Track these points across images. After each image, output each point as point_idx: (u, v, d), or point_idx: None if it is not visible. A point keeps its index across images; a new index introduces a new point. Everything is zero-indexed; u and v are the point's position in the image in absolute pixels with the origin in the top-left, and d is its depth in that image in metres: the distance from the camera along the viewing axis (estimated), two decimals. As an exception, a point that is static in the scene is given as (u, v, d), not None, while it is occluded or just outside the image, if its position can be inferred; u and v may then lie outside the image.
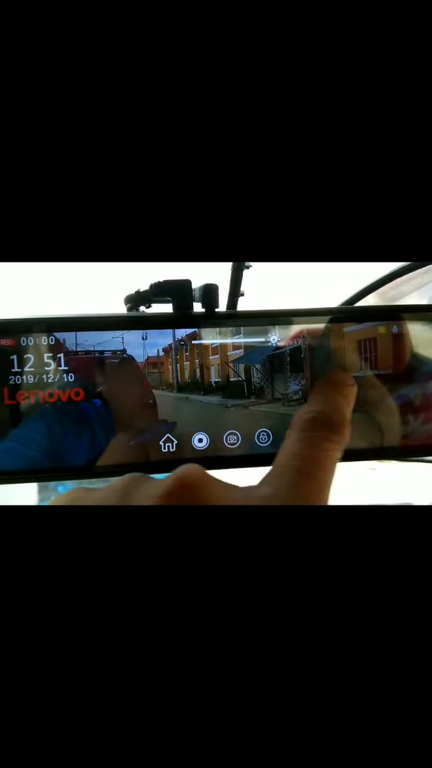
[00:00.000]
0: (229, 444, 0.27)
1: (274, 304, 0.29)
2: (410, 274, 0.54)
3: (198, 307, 0.28)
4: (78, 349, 0.26)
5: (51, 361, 0.26)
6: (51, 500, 0.22)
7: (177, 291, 0.28)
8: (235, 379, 0.28)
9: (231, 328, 0.28)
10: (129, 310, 0.31)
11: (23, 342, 0.26)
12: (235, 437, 0.28)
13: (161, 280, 0.28)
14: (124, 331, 0.27)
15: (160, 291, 0.28)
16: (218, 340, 0.28)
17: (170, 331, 0.27)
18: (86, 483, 0.25)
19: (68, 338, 0.26)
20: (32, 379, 0.26)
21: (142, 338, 0.27)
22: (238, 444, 0.27)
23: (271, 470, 0.21)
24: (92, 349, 0.26)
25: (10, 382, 0.25)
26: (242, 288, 0.40)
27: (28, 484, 0.27)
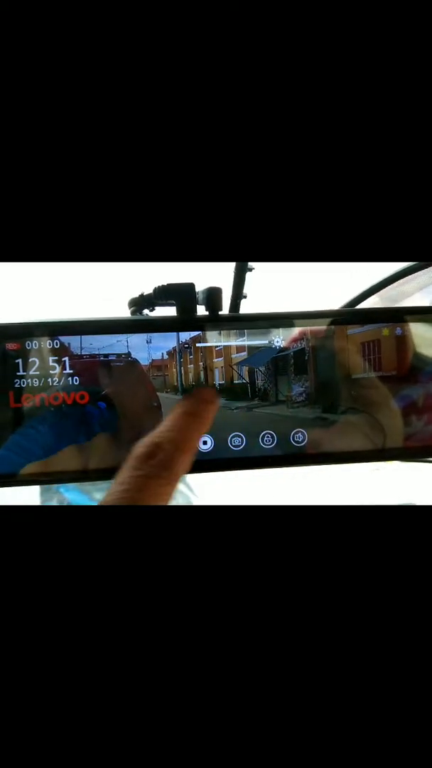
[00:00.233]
0: (233, 446, 0.28)
1: (276, 306, 0.29)
2: (412, 274, 0.54)
3: (202, 310, 0.28)
4: (83, 353, 0.26)
5: (56, 365, 0.26)
6: (54, 501, 0.22)
7: (181, 294, 0.28)
8: (239, 381, 0.28)
9: (234, 330, 0.28)
10: (133, 313, 0.31)
11: (28, 346, 0.26)
12: (240, 439, 0.28)
13: (165, 283, 0.29)
14: (129, 335, 0.27)
15: (164, 294, 0.29)
16: (222, 343, 0.28)
17: (174, 334, 0.28)
18: (88, 485, 0.25)
19: (73, 342, 0.26)
20: (37, 382, 0.26)
21: (147, 341, 0.27)
22: (242, 446, 0.28)
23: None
24: (97, 352, 0.27)
25: (16, 386, 0.26)
26: (245, 290, 0.40)
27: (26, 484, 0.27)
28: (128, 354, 0.27)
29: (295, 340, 0.28)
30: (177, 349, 0.28)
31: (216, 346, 0.28)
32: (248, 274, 0.40)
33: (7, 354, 0.26)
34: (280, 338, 0.28)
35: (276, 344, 0.28)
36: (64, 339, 0.26)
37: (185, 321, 0.28)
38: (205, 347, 0.28)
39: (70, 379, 0.26)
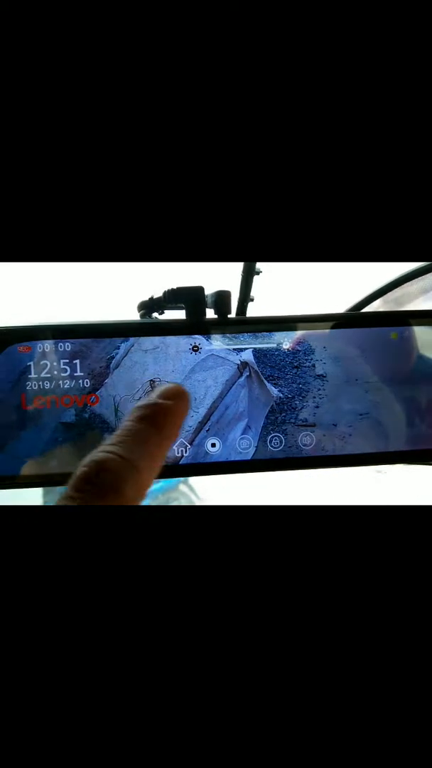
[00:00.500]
0: (241, 449, 0.28)
1: (283, 309, 0.29)
2: (417, 277, 0.54)
3: (211, 314, 0.29)
4: (93, 356, 0.27)
5: (67, 367, 0.26)
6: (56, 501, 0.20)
7: (190, 297, 0.28)
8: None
9: (242, 333, 0.28)
10: (143, 316, 0.31)
11: (39, 348, 0.26)
12: (248, 442, 0.28)
13: (174, 287, 0.29)
14: (138, 338, 0.27)
15: (174, 297, 0.29)
16: (230, 346, 0.28)
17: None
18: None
19: (84, 344, 0.27)
20: (48, 385, 0.26)
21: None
22: (250, 448, 0.28)
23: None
24: (107, 355, 0.27)
25: (27, 388, 0.26)
26: (252, 293, 0.40)
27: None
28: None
29: (303, 343, 0.28)
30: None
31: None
32: (255, 278, 0.40)
33: (18, 356, 0.26)
34: (288, 341, 0.28)
35: (283, 347, 0.28)
36: (74, 341, 0.27)
37: (194, 324, 0.28)
38: None
39: (80, 381, 0.27)
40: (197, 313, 0.28)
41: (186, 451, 0.27)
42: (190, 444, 0.27)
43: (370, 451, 0.28)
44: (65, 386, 0.26)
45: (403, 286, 0.55)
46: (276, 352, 0.28)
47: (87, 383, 0.27)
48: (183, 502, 2.23)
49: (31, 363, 0.26)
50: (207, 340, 0.28)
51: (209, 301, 0.28)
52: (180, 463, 0.27)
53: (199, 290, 0.28)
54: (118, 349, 0.27)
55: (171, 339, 0.27)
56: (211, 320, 0.28)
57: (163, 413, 0.18)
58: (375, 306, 0.58)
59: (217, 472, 0.28)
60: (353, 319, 0.30)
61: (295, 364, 0.28)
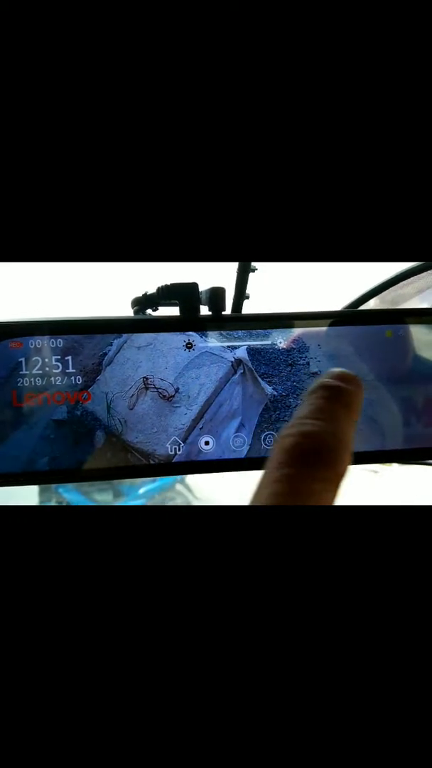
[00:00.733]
0: (235, 447, 0.28)
1: (279, 307, 0.29)
2: (413, 277, 0.54)
3: (205, 310, 0.29)
4: (86, 352, 0.26)
5: (59, 364, 0.26)
6: (52, 501, 0.20)
7: (184, 294, 0.28)
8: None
9: (237, 330, 0.28)
10: (136, 313, 0.31)
11: (31, 344, 0.26)
12: (241, 440, 0.28)
13: (168, 283, 0.29)
14: (131, 334, 0.27)
15: (168, 294, 0.29)
16: (224, 343, 0.28)
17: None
18: (86, 485, 0.25)
19: (76, 341, 0.26)
20: (40, 381, 0.26)
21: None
22: (244, 447, 0.28)
23: (259, 483, 0.16)
24: (100, 351, 0.27)
25: (18, 384, 0.26)
26: (248, 291, 0.40)
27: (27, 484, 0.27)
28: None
29: (297, 341, 0.28)
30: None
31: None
32: (251, 275, 0.40)
33: (9, 352, 0.26)
34: (282, 339, 0.28)
35: (278, 344, 0.28)
36: (67, 338, 0.26)
37: (188, 321, 0.28)
38: None
39: (72, 378, 0.26)
40: (191, 309, 0.28)
41: (179, 449, 0.27)
42: (184, 442, 0.27)
43: (364, 450, 0.28)
44: (57, 383, 0.26)
45: (398, 285, 0.55)
46: (270, 350, 0.28)
47: (79, 380, 0.26)
48: (179, 502, 2.24)
49: (23, 359, 0.26)
50: (201, 337, 0.28)
51: (203, 297, 0.28)
52: (173, 461, 0.27)
53: (193, 287, 0.28)
54: (111, 345, 0.27)
55: (164, 336, 0.27)
56: (205, 317, 0.28)
57: (350, 396, 0.17)
58: (370, 306, 0.58)
59: (210, 471, 0.28)
60: (348, 317, 0.29)
61: (290, 362, 0.28)
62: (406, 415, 0.29)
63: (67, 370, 0.26)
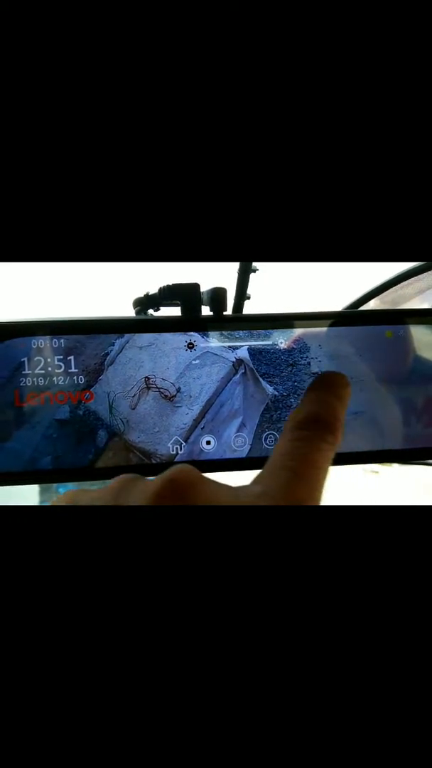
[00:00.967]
0: (236, 446, 0.28)
1: (280, 307, 0.29)
2: (414, 277, 0.54)
3: (206, 311, 0.29)
4: (88, 352, 0.27)
5: (61, 364, 0.26)
6: (51, 501, 0.21)
7: (186, 294, 0.28)
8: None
9: (238, 331, 0.28)
10: (138, 313, 0.31)
11: (33, 344, 0.26)
12: (243, 440, 0.28)
13: (170, 283, 0.29)
14: (133, 334, 0.27)
15: (169, 294, 0.29)
16: (225, 344, 0.28)
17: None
18: (87, 485, 0.25)
19: (78, 341, 0.27)
20: (42, 381, 0.26)
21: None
22: (245, 446, 0.28)
23: (264, 470, 0.20)
24: (102, 351, 0.27)
25: (21, 384, 0.26)
26: (249, 291, 0.40)
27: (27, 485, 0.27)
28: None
29: (298, 341, 0.28)
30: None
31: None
32: (252, 276, 0.40)
33: (12, 352, 0.26)
34: (283, 339, 0.28)
35: (279, 345, 0.28)
36: (70, 338, 0.26)
37: (189, 321, 0.28)
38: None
39: (74, 378, 0.26)
40: (192, 310, 0.28)
41: (181, 449, 0.27)
42: (185, 441, 0.27)
43: (364, 450, 0.28)
44: (59, 383, 0.26)
45: (399, 286, 0.55)
46: (271, 350, 0.28)
47: (81, 380, 0.26)
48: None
49: (25, 359, 0.26)
50: (202, 337, 0.28)
51: (205, 298, 0.28)
52: (175, 460, 0.27)
53: (195, 287, 0.28)
54: (113, 345, 0.27)
55: (166, 336, 0.27)
56: (207, 317, 0.28)
57: (342, 389, 0.23)
58: (371, 306, 0.58)
59: (211, 470, 0.28)
60: (349, 317, 0.30)
61: (291, 362, 0.28)
62: (406, 415, 0.29)
63: (70, 370, 0.26)
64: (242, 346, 0.28)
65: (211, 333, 0.28)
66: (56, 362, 0.26)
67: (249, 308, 0.41)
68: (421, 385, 0.29)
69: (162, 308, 0.31)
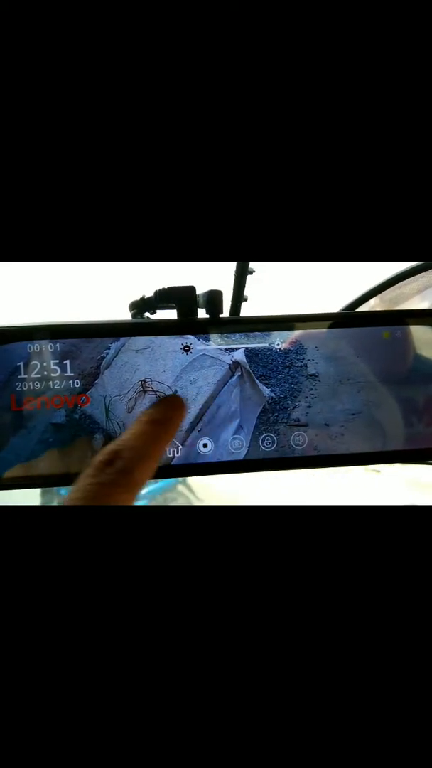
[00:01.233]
0: (233, 449, 0.28)
1: (277, 309, 0.29)
2: (412, 277, 0.54)
3: (202, 313, 0.29)
4: (84, 356, 0.27)
5: (57, 368, 0.26)
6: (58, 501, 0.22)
7: (182, 297, 0.28)
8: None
9: (235, 333, 0.28)
10: (134, 316, 0.31)
11: (29, 349, 0.26)
12: (239, 442, 0.28)
13: (166, 286, 0.29)
14: (129, 338, 0.27)
15: (165, 297, 0.29)
16: (222, 346, 0.28)
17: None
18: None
19: (74, 344, 0.26)
20: (38, 385, 0.26)
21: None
22: (242, 448, 0.28)
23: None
24: (98, 355, 0.27)
25: (17, 388, 0.26)
26: (246, 293, 0.40)
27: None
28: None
29: (295, 343, 0.28)
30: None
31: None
32: (248, 278, 0.40)
33: (7, 356, 0.26)
34: (280, 341, 0.28)
35: (276, 347, 0.28)
36: (66, 342, 0.26)
37: (186, 324, 0.28)
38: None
39: (71, 381, 0.26)
40: (189, 312, 0.28)
41: (178, 452, 0.27)
42: (182, 444, 0.27)
43: (363, 451, 0.28)
44: (55, 387, 0.26)
45: (397, 285, 0.55)
46: (268, 352, 0.28)
47: (77, 384, 0.26)
48: (181, 502, 2.24)
49: (21, 363, 0.26)
50: (198, 340, 0.28)
51: (201, 300, 0.28)
52: (172, 463, 0.27)
53: (191, 290, 0.28)
54: (109, 349, 0.27)
55: (162, 339, 0.27)
56: (203, 320, 0.28)
57: (167, 417, 0.24)
58: (370, 306, 0.58)
59: (209, 473, 0.28)
60: (346, 318, 0.29)
61: (287, 364, 0.28)
62: (406, 415, 0.29)
63: (66, 374, 0.26)
64: (239, 348, 0.28)
65: (207, 336, 0.28)
66: (52, 366, 0.26)
67: (246, 310, 0.41)
68: (420, 385, 0.29)
69: (158, 311, 0.30)
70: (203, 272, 0.32)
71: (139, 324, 0.28)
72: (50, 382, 0.26)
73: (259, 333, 0.28)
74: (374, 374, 0.29)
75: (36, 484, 0.26)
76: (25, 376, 0.26)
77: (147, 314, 0.30)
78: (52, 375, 0.26)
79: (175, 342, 0.27)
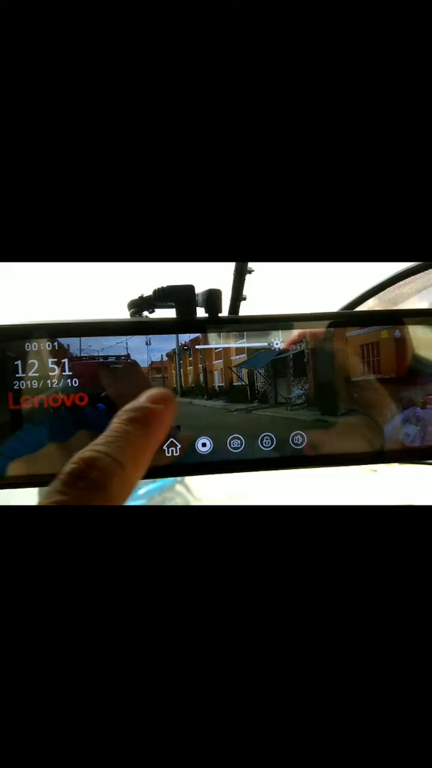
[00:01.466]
0: (232, 448, 0.28)
1: (276, 308, 0.29)
2: (410, 277, 0.54)
3: (201, 312, 0.28)
4: (82, 355, 0.26)
5: (55, 367, 0.26)
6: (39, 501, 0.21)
7: (180, 296, 0.28)
8: (239, 383, 0.28)
9: (234, 332, 0.28)
10: (133, 315, 0.31)
11: (27, 347, 0.26)
12: (239, 441, 0.28)
13: (165, 285, 0.29)
14: (128, 336, 0.27)
15: (164, 296, 0.29)
16: (221, 345, 0.28)
17: (173, 336, 0.28)
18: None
19: (73, 343, 0.26)
20: (36, 384, 0.26)
21: (146, 343, 0.27)
22: (241, 448, 0.28)
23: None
24: (96, 354, 0.27)
25: (14, 387, 0.26)
26: (244, 292, 0.40)
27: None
28: (128, 356, 0.27)
29: (294, 342, 0.28)
30: (176, 352, 0.28)
31: (215, 348, 0.28)
32: (248, 277, 0.40)
33: (6, 356, 0.26)
34: (279, 340, 0.28)
35: (275, 346, 0.28)
36: (64, 341, 0.26)
37: (185, 323, 0.28)
38: (204, 349, 0.28)
39: (69, 380, 0.26)
40: (187, 311, 0.28)
41: (176, 451, 0.27)
42: (181, 443, 0.27)
43: (362, 450, 0.28)
44: (54, 385, 0.26)
45: (397, 285, 0.55)
46: (268, 351, 0.28)
47: (75, 382, 0.26)
48: (179, 502, 2.24)
49: (19, 362, 0.26)
50: (198, 338, 0.28)
51: (200, 299, 0.28)
52: (171, 462, 0.27)
53: (190, 289, 0.28)
54: (108, 348, 0.27)
55: (161, 337, 0.27)
56: (202, 319, 0.28)
57: (151, 416, 0.20)
58: (369, 305, 0.58)
59: (208, 472, 0.28)
60: (346, 318, 0.29)
61: (287, 363, 0.28)
62: (405, 415, 0.29)
63: (64, 373, 0.26)
64: (238, 347, 0.28)
65: (205, 334, 0.28)
66: (50, 365, 0.26)
67: (245, 310, 0.41)
68: (420, 384, 0.29)
69: (157, 310, 0.30)
70: (202, 271, 0.32)
71: (138, 323, 0.28)
72: (48, 381, 0.26)
73: (259, 332, 0.28)
74: (373, 374, 0.29)
75: (32, 483, 0.26)
76: (24, 375, 0.26)
77: (146, 313, 0.30)
78: (51, 374, 0.26)
79: (173, 340, 0.27)
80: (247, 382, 0.28)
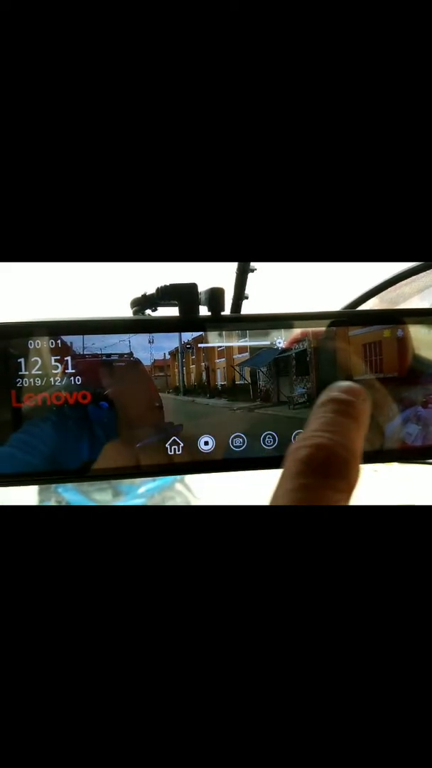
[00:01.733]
0: (234, 447, 0.28)
1: (278, 307, 0.29)
2: (412, 276, 0.54)
3: (204, 311, 0.29)
4: (85, 353, 0.27)
5: (58, 364, 0.26)
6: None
7: (183, 294, 0.28)
8: (241, 382, 0.28)
9: (236, 331, 0.28)
10: (135, 313, 0.31)
11: (30, 345, 0.26)
12: (241, 440, 0.28)
13: (168, 283, 0.29)
14: (131, 335, 0.27)
15: (167, 294, 0.29)
16: (224, 343, 0.28)
17: (176, 334, 0.28)
18: (84, 485, 0.25)
19: (75, 341, 0.26)
20: (39, 382, 0.26)
21: (149, 341, 0.27)
22: (243, 447, 0.28)
23: (275, 489, 0.17)
24: (99, 352, 0.27)
25: (17, 385, 0.26)
26: (247, 291, 0.40)
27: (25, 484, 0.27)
28: (131, 354, 0.27)
29: (296, 341, 0.28)
30: (179, 350, 0.28)
31: (218, 347, 0.28)
32: (250, 275, 0.40)
33: (9, 353, 0.26)
34: (281, 339, 0.28)
35: (277, 345, 0.28)
36: (67, 339, 0.26)
37: (187, 321, 0.28)
38: (207, 348, 0.28)
39: (72, 378, 0.26)
40: (190, 310, 0.28)
41: (179, 449, 0.27)
42: (183, 442, 0.27)
43: (364, 450, 0.28)
44: (56, 383, 0.26)
45: (397, 285, 0.55)
46: (270, 350, 0.28)
47: (78, 380, 0.26)
48: (179, 501, 2.24)
49: (22, 360, 0.26)
50: (200, 337, 0.28)
51: (202, 298, 0.28)
52: (173, 461, 0.27)
53: (192, 287, 0.28)
54: (111, 346, 0.27)
55: (164, 336, 0.27)
56: (204, 317, 0.28)
57: (358, 409, 0.19)
58: (371, 305, 0.58)
59: (210, 470, 0.28)
60: (348, 317, 0.30)
61: (290, 362, 0.28)
62: (405, 414, 0.29)
63: (67, 371, 0.26)
64: (240, 346, 0.28)
65: (208, 333, 0.28)
66: (53, 363, 0.26)
67: (247, 308, 0.41)
68: (421, 384, 0.29)
69: (159, 308, 0.30)
70: (204, 270, 0.32)
71: (141, 321, 0.28)
72: (51, 379, 0.26)
73: (261, 331, 0.28)
74: (374, 373, 0.29)
75: (37, 481, 0.26)
76: (26, 373, 0.26)
77: (148, 311, 0.30)
78: (53, 372, 0.26)
79: (176, 339, 0.27)
80: (249, 381, 0.28)
